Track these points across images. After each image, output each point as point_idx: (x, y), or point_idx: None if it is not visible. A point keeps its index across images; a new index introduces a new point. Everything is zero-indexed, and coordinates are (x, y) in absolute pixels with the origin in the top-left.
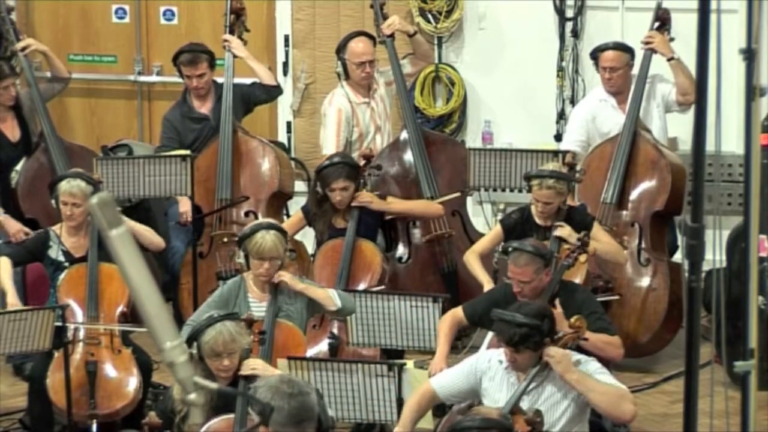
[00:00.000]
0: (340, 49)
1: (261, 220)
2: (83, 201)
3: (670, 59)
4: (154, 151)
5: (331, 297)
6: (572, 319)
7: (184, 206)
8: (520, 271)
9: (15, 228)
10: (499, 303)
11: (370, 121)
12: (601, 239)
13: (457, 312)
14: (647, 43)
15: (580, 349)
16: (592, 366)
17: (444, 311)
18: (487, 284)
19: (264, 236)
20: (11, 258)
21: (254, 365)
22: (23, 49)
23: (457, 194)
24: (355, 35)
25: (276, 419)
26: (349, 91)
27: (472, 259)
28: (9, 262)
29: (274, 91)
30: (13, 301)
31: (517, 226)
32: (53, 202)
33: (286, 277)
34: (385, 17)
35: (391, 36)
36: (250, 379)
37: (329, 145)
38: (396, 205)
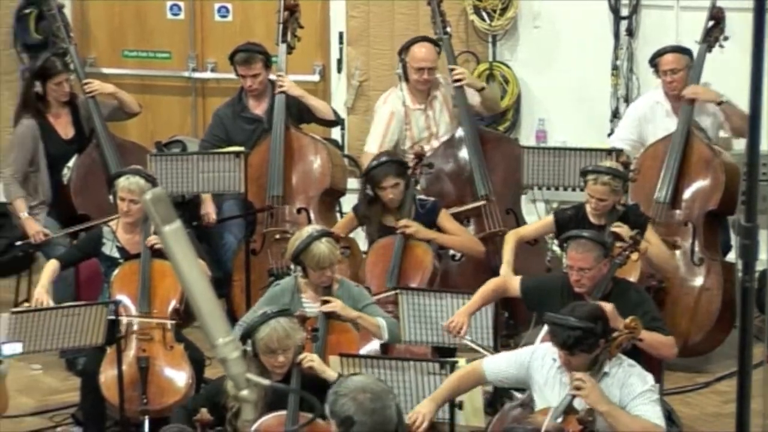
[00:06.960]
0: (403, 51)
1: (308, 229)
2: (141, 198)
3: (719, 104)
4: (199, 145)
5: (380, 328)
6: (627, 320)
7: (207, 207)
8: (581, 257)
9: (34, 229)
10: (551, 291)
11: (424, 126)
12: (653, 243)
13: (511, 281)
14: (693, 95)
15: (634, 349)
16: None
17: (496, 308)
18: (506, 266)
19: (319, 246)
20: (61, 260)
21: (312, 358)
22: (90, 92)
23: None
24: (421, 40)
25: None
26: (406, 95)
27: (510, 239)
28: (57, 264)
29: (331, 124)
30: (40, 296)
31: (571, 222)
32: (111, 197)
33: (338, 307)
34: (442, 15)
35: (448, 34)
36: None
37: (373, 143)
38: (442, 238)
